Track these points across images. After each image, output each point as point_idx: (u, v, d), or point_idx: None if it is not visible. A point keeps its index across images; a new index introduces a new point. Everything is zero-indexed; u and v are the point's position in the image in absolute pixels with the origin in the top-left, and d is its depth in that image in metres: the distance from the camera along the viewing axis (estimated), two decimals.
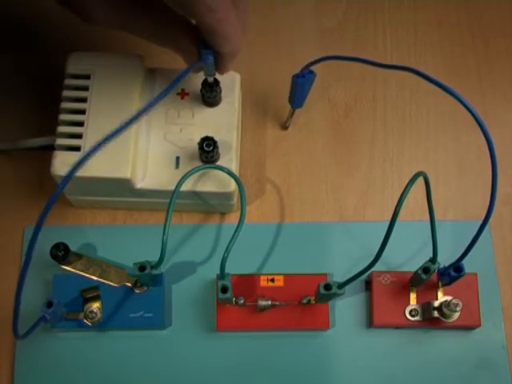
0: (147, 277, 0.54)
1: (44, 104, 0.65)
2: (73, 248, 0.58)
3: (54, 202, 0.44)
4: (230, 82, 0.61)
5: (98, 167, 0.55)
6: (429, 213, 0.52)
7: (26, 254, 0.45)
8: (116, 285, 0.59)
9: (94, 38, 0.69)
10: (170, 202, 0.54)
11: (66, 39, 0.70)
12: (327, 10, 0.72)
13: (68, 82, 0.58)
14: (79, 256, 0.59)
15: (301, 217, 0.65)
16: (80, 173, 0.46)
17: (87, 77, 0.58)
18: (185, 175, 0.56)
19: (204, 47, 0.52)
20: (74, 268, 0.59)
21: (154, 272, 0.53)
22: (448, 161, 0.67)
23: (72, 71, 0.59)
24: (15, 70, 0.69)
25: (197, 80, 0.58)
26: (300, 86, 0.59)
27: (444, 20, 0.72)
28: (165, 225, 0.53)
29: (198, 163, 0.58)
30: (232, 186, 0.59)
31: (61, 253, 0.57)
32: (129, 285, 0.59)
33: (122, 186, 0.58)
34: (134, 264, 0.53)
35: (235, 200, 0.62)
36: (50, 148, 0.57)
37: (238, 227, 0.55)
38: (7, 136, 0.64)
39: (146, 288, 0.59)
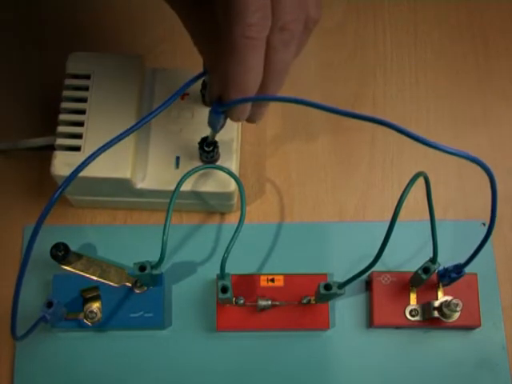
0: (147, 277, 0.54)
1: (44, 104, 0.65)
2: (73, 248, 0.58)
3: (53, 204, 0.45)
4: None
5: (98, 167, 0.54)
6: (429, 213, 0.52)
7: (25, 254, 0.45)
8: (116, 285, 0.59)
9: (94, 38, 0.69)
10: (169, 201, 0.54)
11: (66, 39, 0.70)
12: (327, 10, 0.72)
13: (68, 81, 0.58)
14: (79, 256, 0.59)
15: (301, 217, 0.65)
16: (80, 173, 0.46)
17: (87, 77, 0.58)
18: (185, 175, 0.56)
19: None
20: (74, 268, 0.59)
21: (154, 272, 0.53)
22: (448, 161, 0.67)
23: (72, 71, 0.59)
24: (15, 70, 0.69)
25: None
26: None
27: (444, 20, 0.72)
28: (165, 225, 0.53)
29: (198, 163, 0.58)
30: (232, 185, 0.58)
31: (61, 253, 0.57)
32: (129, 285, 0.59)
33: (122, 186, 0.58)
34: (135, 264, 0.53)
35: (235, 200, 0.62)
36: (50, 148, 0.57)
37: (238, 227, 0.55)
38: (7, 136, 0.64)
39: (146, 288, 0.59)
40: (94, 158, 0.46)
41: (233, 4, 0.41)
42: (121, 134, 0.48)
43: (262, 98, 0.49)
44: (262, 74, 0.45)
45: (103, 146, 0.47)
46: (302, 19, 0.44)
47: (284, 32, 0.43)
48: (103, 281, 0.59)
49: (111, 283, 0.59)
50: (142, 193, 0.59)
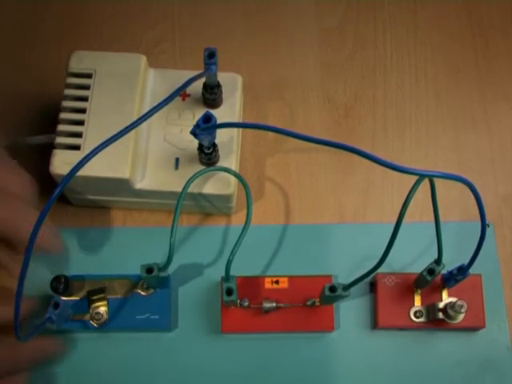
0: (154, 279, 0.53)
1: (45, 102, 0.65)
2: (72, 250, 0.58)
3: (52, 202, 0.45)
4: (232, 84, 0.60)
5: (97, 167, 0.54)
6: (434, 215, 0.52)
7: (26, 253, 0.45)
8: (122, 296, 0.58)
9: (94, 38, 0.69)
10: (177, 204, 0.54)
11: (67, 38, 0.69)
12: (327, 10, 0.72)
13: (69, 80, 0.58)
14: (80, 281, 0.59)
15: (300, 217, 0.65)
16: (79, 172, 0.46)
17: (89, 76, 0.58)
18: (192, 176, 0.56)
19: (208, 57, 0.53)
20: (77, 297, 0.59)
21: (162, 274, 0.52)
22: (448, 161, 0.67)
23: (74, 70, 0.58)
24: (16, 68, 0.69)
25: (198, 82, 0.57)
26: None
27: (444, 20, 0.72)
28: (172, 227, 0.52)
29: (198, 165, 0.58)
30: (231, 188, 0.58)
31: (61, 286, 0.56)
32: (137, 291, 0.59)
33: (121, 186, 0.58)
34: (142, 266, 0.52)
35: (234, 202, 0.62)
36: (50, 146, 0.57)
37: (243, 230, 0.55)
38: (7, 134, 0.63)
39: (152, 290, 0.58)
40: (92, 156, 0.47)
41: None
42: (120, 132, 0.48)
43: (228, 126, 0.52)
44: None
45: (102, 144, 0.47)
46: None
47: None
48: (109, 296, 0.58)
49: (118, 296, 0.58)
50: (141, 193, 0.59)
